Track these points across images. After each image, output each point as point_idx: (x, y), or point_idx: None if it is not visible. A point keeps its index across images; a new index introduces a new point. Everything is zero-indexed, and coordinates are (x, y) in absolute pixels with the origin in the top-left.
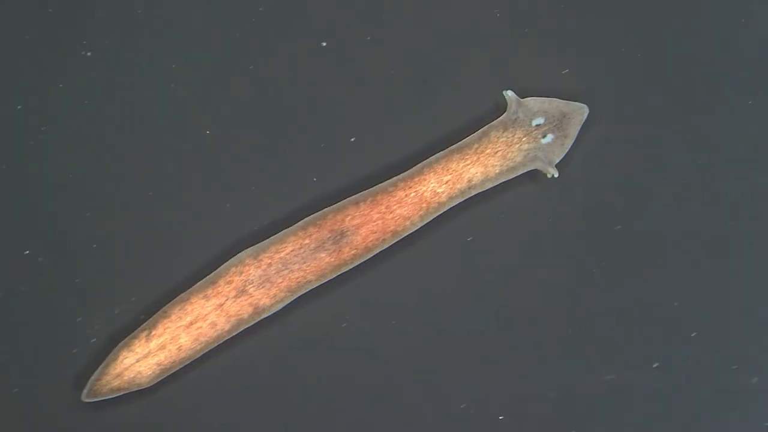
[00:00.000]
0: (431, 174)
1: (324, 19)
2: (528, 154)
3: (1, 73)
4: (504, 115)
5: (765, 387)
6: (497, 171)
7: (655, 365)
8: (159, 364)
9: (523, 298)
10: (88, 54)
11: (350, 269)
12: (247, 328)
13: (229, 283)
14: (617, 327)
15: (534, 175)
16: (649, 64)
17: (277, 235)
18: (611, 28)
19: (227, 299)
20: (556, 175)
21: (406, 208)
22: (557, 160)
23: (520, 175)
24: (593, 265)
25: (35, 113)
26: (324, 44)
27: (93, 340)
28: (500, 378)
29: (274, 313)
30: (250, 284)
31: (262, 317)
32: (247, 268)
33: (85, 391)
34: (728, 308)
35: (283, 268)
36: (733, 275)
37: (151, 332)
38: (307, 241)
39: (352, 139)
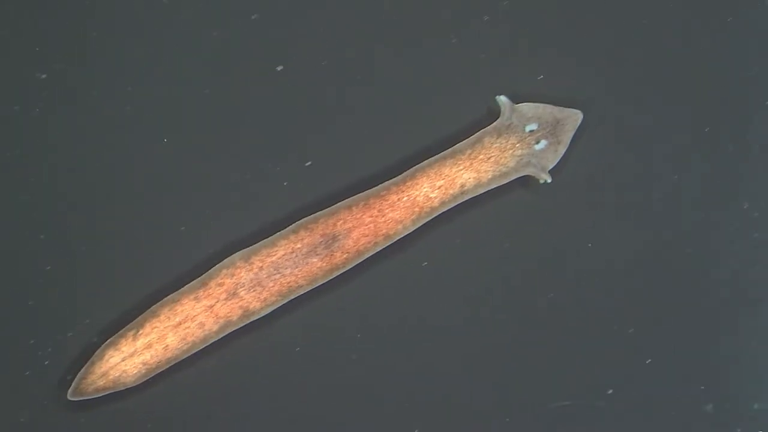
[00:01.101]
0: (424, 179)
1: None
2: (521, 159)
3: None
4: (497, 120)
5: (719, 414)
6: (490, 177)
7: (609, 391)
8: (144, 363)
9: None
10: (43, 76)
11: (341, 273)
12: (236, 330)
13: (221, 285)
14: (573, 350)
15: (526, 181)
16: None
17: (269, 238)
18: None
19: (218, 301)
20: (548, 181)
21: (398, 212)
22: (550, 166)
23: (513, 180)
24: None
25: None
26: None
27: (46, 362)
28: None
29: (263, 316)
30: (241, 287)
31: (251, 320)
32: (238, 270)
33: (70, 389)
34: (684, 335)
35: (275, 272)
36: (697, 299)
37: (138, 331)
38: (299, 246)
39: (308, 163)
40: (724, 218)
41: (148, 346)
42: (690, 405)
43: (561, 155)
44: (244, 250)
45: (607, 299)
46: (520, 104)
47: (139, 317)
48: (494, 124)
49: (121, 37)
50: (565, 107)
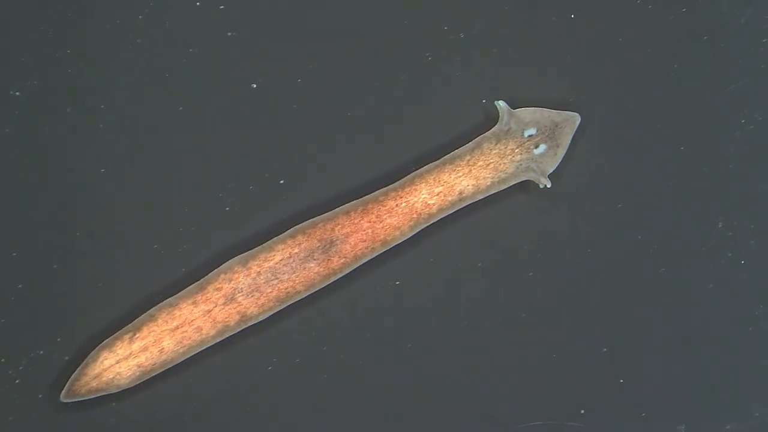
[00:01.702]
0: (423, 185)
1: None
2: (520, 165)
3: None
4: (496, 126)
5: None
6: (489, 183)
7: (581, 411)
8: (139, 366)
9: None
10: (17, 94)
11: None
12: (232, 335)
13: (218, 290)
14: (546, 369)
15: (526, 186)
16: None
17: (266, 243)
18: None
19: (216, 306)
20: (548, 186)
21: (396, 218)
22: (550, 171)
23: (513, 185)
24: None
25: None
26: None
27: (17, 381)
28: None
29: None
30: (239, 293)
31: (248, 325)
32: (236, 275)
33: (63, 390)
34: (657, 355)
35: (273, 277)
36: (670, 319)
37: (134, 334)
38: (296, 251)
39: (281, 181)
40: (698, 238)
41: (144, 348)
42: (662, 426)
43: (560, 159)
44: (242, 254)
45: (580, 319)
46: (517, 109)
47: (136, 320)
48: (493, 129)
49: (100, 50)
50: (563, 110)
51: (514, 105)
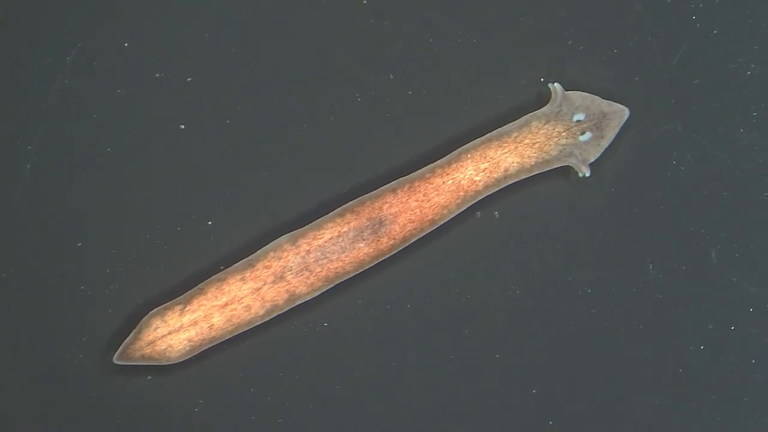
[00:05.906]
0: (468, 161)
1: None
2: (564, 149)
3: None
4: (547, 106)
5: None
6: (533, 162)
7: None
8: (189, 340)
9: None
10: None
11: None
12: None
13: (267, 267)
14: (477, 410)
15: (565, 171)
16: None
17: (315, 221)
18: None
19: (265, 284)
20: (587, 175)
21: (443, 196)
22: (591, 160)
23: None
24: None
25: None
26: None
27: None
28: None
29: (306, 301)
30: (288, 271)
31: (296, 304)
32: (285, 253)
33: (117, 353)
34: (585, 396)
35: (322, 256)
36: (601, 361)
37: (185, 307)
38: (345, 229)
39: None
40: (628, 279)
41: (194, 323)
42: None
43: (603, 150)
44: (291, 233)
45: (507, 359)
46: (569, 92)
47: (186, 293)
48: (543, 109)
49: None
50: (613, 102)
51: (565, 87)
